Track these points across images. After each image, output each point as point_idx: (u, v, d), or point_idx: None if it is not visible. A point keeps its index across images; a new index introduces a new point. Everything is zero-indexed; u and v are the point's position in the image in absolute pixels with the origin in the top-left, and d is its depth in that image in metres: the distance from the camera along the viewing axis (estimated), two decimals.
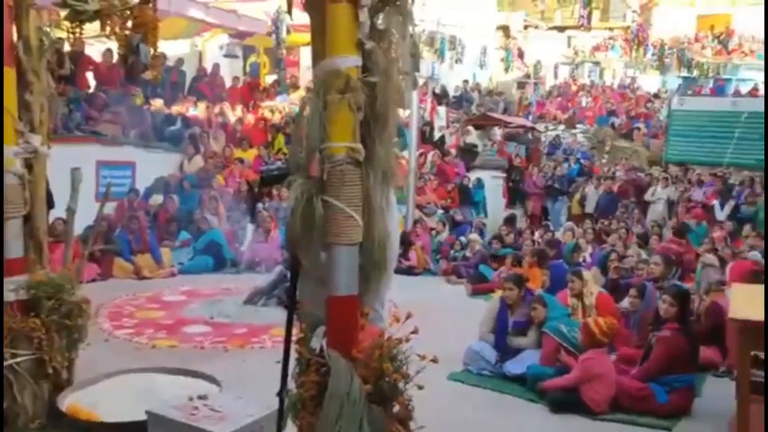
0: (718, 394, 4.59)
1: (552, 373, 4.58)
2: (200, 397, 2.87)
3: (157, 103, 11.38)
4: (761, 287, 4.91)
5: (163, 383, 3.39)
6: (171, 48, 12.87)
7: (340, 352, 2.24)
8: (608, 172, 14.51)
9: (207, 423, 2.68)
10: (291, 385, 2.43)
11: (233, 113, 12.70)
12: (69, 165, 3.63)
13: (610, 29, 29.30)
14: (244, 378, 4.53)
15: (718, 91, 21.96)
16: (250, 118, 12.88)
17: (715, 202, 11.84)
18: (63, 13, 3.74)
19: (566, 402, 4.34)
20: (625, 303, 5.60)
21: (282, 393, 2.49)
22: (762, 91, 19.80)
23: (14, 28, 3.23)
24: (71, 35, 3.77)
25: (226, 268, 8.86)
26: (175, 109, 11.57)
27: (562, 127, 19.53)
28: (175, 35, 12.72)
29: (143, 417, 2.78)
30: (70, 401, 3.11)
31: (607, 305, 5.38)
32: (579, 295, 5.42)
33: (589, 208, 12.74)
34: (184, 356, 5.07)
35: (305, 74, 15.45)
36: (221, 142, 11.65)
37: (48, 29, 3.40)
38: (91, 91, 10.57)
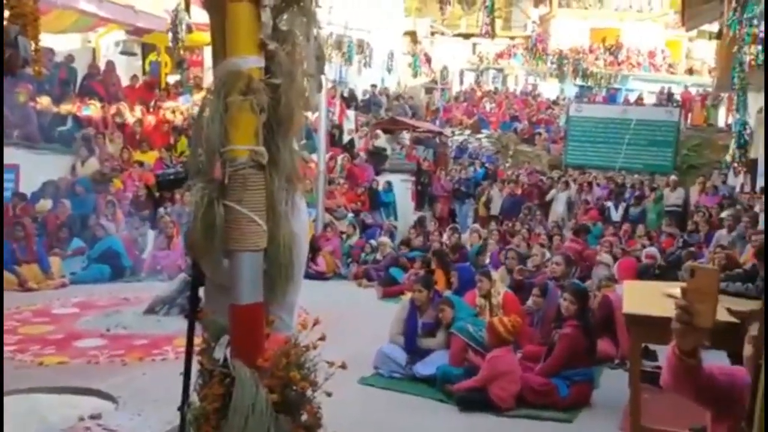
0: (614, 385, 4.85)
1: (460, 373, 4.68)
2: (93, 417, 2.70)
3: (44, 101, 10.58)
4: (651, 283, 5.29)
5: (50, 404, 3.16)
6: (60, 43, 12.03)
7: (245, 361, 2.17)
8: (512, 176, 15.14)
9: None
10: (194, 398, 2.32)
11: (132, 114, 12.05)
12: None
13: (512, 38, 30.63)
14: (144, 393, 4.28)
15: (610, 99, 23.53)
16: (151, 120, 12.28)
17: (610, 204, 12.66)
18: None
19: (474, 400, 4.46)
20: (530, 302, 5.83)
21: (183, 407, 2.37)
22: (647, 100, 21.40)
23: None
24: None
25: (125, 277, 8.39)
26: (65, 108, 10.80)
27: (468, 131, 20.15)
28: (64, 29, 11.90)
29: None
30: None
31: (512, 305, 5.58)
32: (487, 295, 5.58)
33: (494, 210, 13.24)
34: (77, 373, 4.71)
35: (209, 75, 14.97)
36: (118, 144, 11.03)
37: None
38: None
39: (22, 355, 5.20)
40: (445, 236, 10.11)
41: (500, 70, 28.65)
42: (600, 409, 4.55)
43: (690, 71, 26.98)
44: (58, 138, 10.24)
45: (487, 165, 16.11)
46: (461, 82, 26.41)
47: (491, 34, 18.43)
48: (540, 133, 19.40)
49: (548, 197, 13.21)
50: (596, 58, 27.38)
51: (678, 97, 21.76)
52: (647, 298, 3.65)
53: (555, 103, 23.88)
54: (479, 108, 22.67)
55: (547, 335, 5.06)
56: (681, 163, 16.45)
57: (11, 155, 9.12)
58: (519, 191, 13.62)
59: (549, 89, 26.20)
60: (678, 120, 17.12)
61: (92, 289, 7.71)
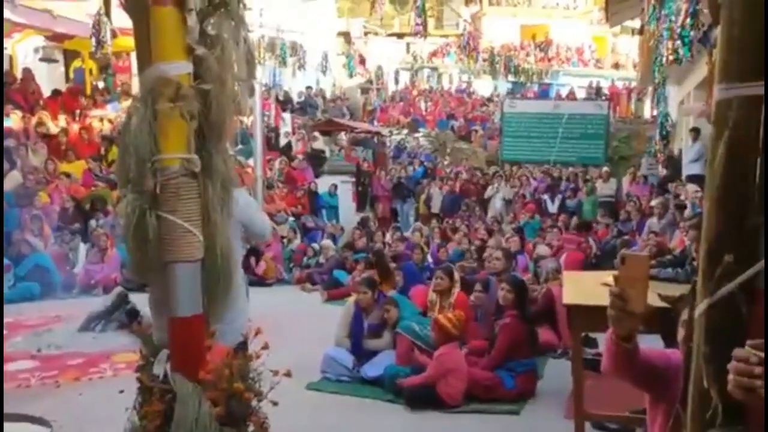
0: (557, 374, 4.98)
1: (408, 372, 4.69)
2: None
3: None
4: (589, 273, 5.46)
5: None
6: None
7: (186, 375, 2.11)
8: (450, 173, 15.35)
9: None
10: (133, 417, 2.23)
11: (55, 123, 11.51)
12: None
13: (445, 36, 31.08)
14: (82, 414, 4.12)
15: (542, 94, 24.25)
16: (76, 128, 11.77)
17: (546, 197, 13.02)
18: None
19: (422, 398, 4.48)
20: (472, 297, 5.91)
21: None
22: (579, 95, 22.17)
23: None
24: None
25: (55, 294, 8.00)
26: None
27: (405, 131, 20.32)
28: None
29: None
30: None
31: (463, 303, 5.49)
32: (443, 293, 5.48)
33: (435, 208, 13.41)
34: (6, 398, 4.45)
35: (137, 81, 14.48)
36: (42, 156, 10.51)
37: None
38: None
39: None
40: (388, 236, 10.15)
41: (434, 69, 29.02)
42: (545, 398, 4.66)
43: (616, 66, 28.13)
44: None
45: (425, 163, 16.29)
46: (396, 82, 26.58)
47: (424, 34, 18.65)
48: (476, 130, 19.79)
49: (487, 194, 13.47)
50: (527, 55, 28.14)
51: (606, 91, 22.65)
52: (585, 288, 3.77)
53: (489, 100, 24.38)
54: (415, 107, 22.90)
55: (490, 330, 5.15)
56: (612, 154, 17.12)
57: None
58: (458, 188, 13.83)
59: (483, 86, 26.73)
60: (607, 113, 17.80)
61: (20, 308, 7.30)
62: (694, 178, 10.30)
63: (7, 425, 3.14)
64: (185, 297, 2.10)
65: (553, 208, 12.61)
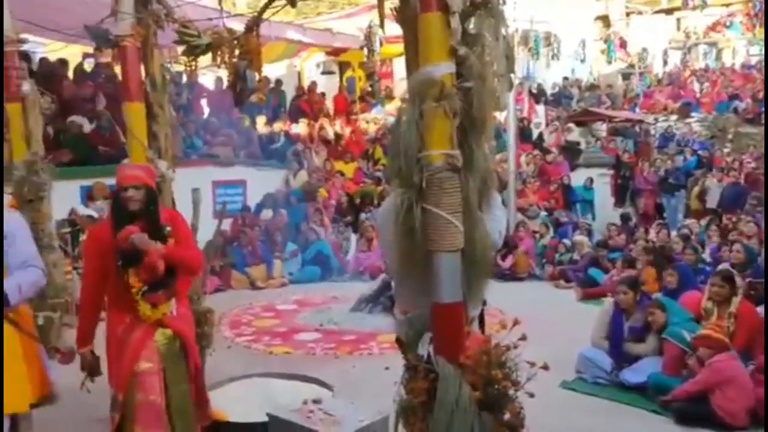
0: None
1: (676, 382, 4.28)
2: (315, 401, 3.01)
3: (261, 122, 12.01)
4: None
5: (279, 388, 3.59)
6: (270, 70, 13.50)
7: (448, 358, 2.24)
8: (733, 163, 13.40)
9: (322, 426, 2.80)
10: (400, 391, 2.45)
11: (333, 128, 13.10)
12: (189, 186, 3.98)
13: (727, 5, 27.03)
14: (354, 384, 4.63)
15: None
16: (347, 131, 13.25)
17: None
18: (180, 49, 4.08)
19: (695, 413, 4.04)
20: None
21: None
22: None
23: (142, 67, 3.58)
24: (188, 68, 4.11)
25: (333, 277, 9.13)
26: (278, 127, 12.13)
27: (674, 117, 18.34)
28: (275, 58, 13.34)
29: (264, 419, 2.98)
30: None
31: (748, 314, 4.59)
32: (723, 302, 4.69)
33: (712, 202, 11.82)
34: (298, 362, 5.27)
35: (399, 85, 15.65)
36: (323, 157, 12.06)
37: (168, 65, 3.75)
38: (205, 116, 11.40)
39: (256, 345, 5.98)
40: (652, 233, 9.32)
41: (712, 45, 25.51)
42: None
43: None
44: (273, 155, 11.51)
45: (699, 152, 14.50)
46: (665, 63, 24.04)
47: (700, 5, 16.50)
48: None
49: None
50: None
51: None
52: None
53: None
54: (686, 90, 20.48)
55: None
56: None
57: (240, 172, 10.57)
58: (743, 179, 12.01)
59: None
60: None
61: (307, 288, 8.51)
62: None
63: (300, 384, 3.73)
64: (447, 284, 2.23)
65: None
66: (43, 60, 10.06)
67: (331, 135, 12.85)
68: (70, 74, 10.18)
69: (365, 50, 12.82)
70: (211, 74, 11.72)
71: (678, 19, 26.69)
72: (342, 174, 11.61)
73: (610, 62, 23.09)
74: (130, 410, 2.77)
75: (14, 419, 2.88)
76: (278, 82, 13.85)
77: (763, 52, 23.35)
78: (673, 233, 9.17)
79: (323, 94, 14.43)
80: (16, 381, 2.73)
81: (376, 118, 13.82)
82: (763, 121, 16.55)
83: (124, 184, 2.86)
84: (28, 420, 3.07)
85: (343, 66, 16.07)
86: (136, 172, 2.95)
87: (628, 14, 27.44)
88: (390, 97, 15.49)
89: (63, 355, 2.98)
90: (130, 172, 2.93)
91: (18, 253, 2.75)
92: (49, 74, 9.31)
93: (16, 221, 2.89)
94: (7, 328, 2.74)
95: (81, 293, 3.01)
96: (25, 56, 8.07)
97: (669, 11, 27.32)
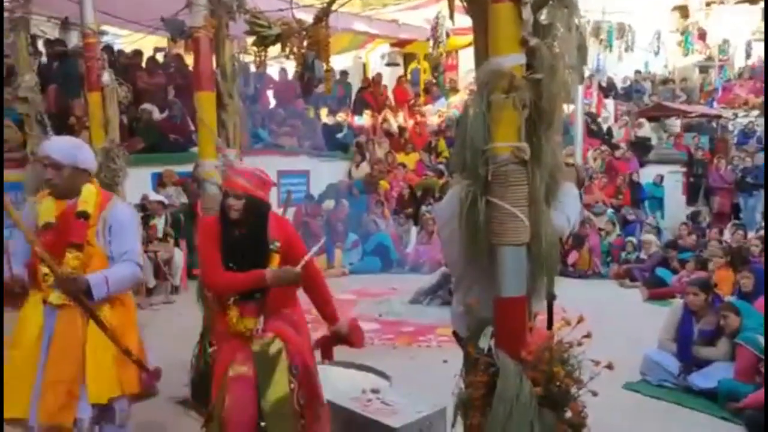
0: None
1: (749, 390, 4.08)
2: (373, 391, 3.05)
3: (325, 113, 12.17)
4: None
5: (339, 375, 3.65)
6: (335, 61, 13.62)
7: (508, 353, 2.22)
8: None
9: (380, 415, 2.83)
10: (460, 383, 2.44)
11: (396, 120, 13.11)
12: None
13: None
14: (412, 375, 4.65)
15: None
16: (411, 123, 13.22)
17: None
18: (250, 39, 4.19)
19: None
20: None
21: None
22: None
23: (213, 58, 3.70)
24: (257, 59, 4.21)
25: (392, 269, 9.17)
26: (341, 118, 12.25)
27: (755, 112, 17.33)
28: (342, 49, 13.44)
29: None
30: None
31: None
32: None
33: None
34: (356, 351, 5.29)
35: (464, 77, 15.48)
36: (385, 149, 12.10)
37: (238, 55, 3.86)
38: (271, 107, 11.66)
39: (314, 334, 6.04)
40: (726, 234, 8.89)
41: None
42: None
43: None
44: (337, 145, 11.65)
45: None
46: (748, 56, 22.73)
47: None
48: None
49: None
50: None
51: None
52: None
53: None
54: None
55: None
56: None
57: (304, 162, 10.75)
58: None
59: None
60: None
61: (366, 279, 8.60)
62: None
63: (359, 373, 3.78)
64: (511, 278, 2.20)
65: None
66: (120, 51, 10.54)
67: (394, 127, 12.86)
68: (143, 65, 10.63)
69: (431, 42, 12.74)
70: (276, 65, 11.94)
71: (763, 10, 25.14)
72: (404, 166, 11.62)
73: (687, 54, 22.04)
74: (218, 412, 2.69)
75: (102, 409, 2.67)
76: (344, 73, 13.96)
77: None
78: (751, 234, 8.72)
79: (386, 87, 14.46)
80: (99, 371, 2.61)
81: (440, 111, 13.73)
82: None
83: (226, 189, 2.72)
84: (113, 412, 2.74)
85: (408, 58, 16.02)
86: (238, 179, 2.68)
87: (708, 4, 26.08)
88: (454, 89, 15.35)
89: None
90: (232, 178, 2.71)
91: (122, 245, 2.69)
92: (125, 65, 9.75)
93: (127, 213, 2.82)
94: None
95: (211, 277, 2.73)
96: (108, 48, 8.47)
97: (753, 1, 25.79)
